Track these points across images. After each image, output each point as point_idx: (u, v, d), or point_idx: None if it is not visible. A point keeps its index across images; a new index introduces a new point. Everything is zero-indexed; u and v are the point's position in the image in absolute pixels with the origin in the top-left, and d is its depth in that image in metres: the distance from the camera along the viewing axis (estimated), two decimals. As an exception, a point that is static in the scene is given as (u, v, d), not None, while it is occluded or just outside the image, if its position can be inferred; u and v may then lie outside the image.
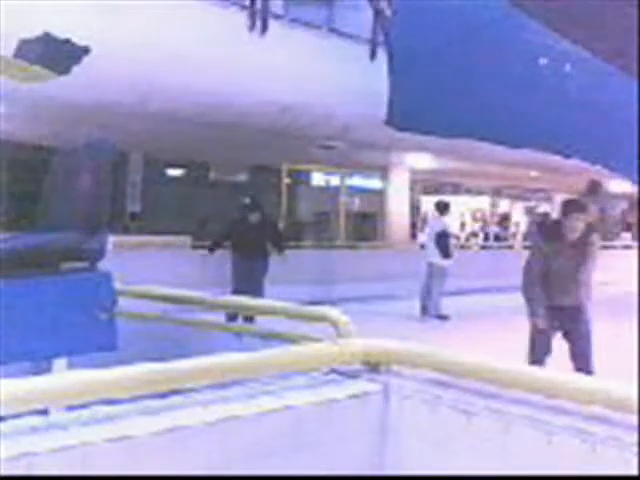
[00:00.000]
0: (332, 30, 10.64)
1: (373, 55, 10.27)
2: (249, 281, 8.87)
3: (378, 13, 10.37)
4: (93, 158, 3.03)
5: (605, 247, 20.44)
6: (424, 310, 10.42)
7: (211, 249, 9.79)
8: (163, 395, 1.85)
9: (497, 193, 25.73)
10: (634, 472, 1.43)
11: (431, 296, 10.38)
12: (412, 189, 18.36)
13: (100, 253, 2.84)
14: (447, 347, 2.21)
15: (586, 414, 1.78)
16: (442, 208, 10.66)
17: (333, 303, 8.16)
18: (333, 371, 2.20)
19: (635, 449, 1.60)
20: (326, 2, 11.26)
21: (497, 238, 21.81)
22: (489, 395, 1.97)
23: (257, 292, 8.64)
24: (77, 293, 2.71)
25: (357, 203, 20.43)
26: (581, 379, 1.83)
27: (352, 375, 2.19)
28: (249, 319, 6.90)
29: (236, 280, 9.11)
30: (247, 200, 9.81)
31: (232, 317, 6.53)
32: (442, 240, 10.30)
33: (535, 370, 1.90)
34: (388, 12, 10.15)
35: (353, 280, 11.41)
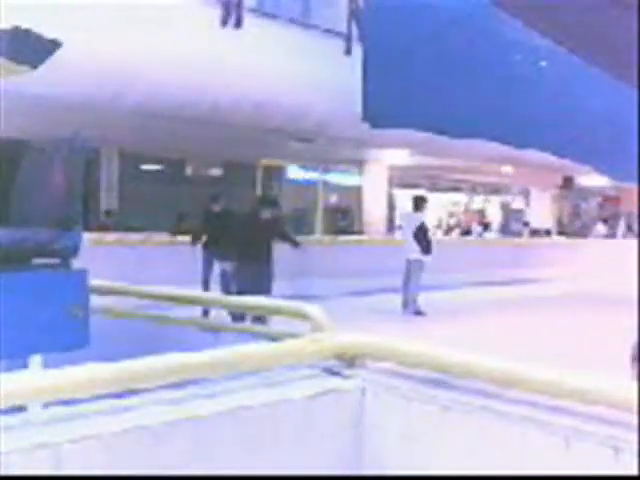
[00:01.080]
0: (307, 25, 10.63)
1: (348, 51, 10.27)
2: (258, 288, 7.80)
3: (353, 8, 10.38)
4: (65, 154, 2.99)
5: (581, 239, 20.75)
6: (405, 305, 10.47)
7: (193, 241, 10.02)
8: (133, 393, 1.84)
9: (473, 189, 25.90)
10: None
11: (410, 291, 10.43)
12: (389, 184, 18.43)
13: (73, 250, 2.81)
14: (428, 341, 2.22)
15: (560, 408, 1.79)
16: (418, 203, 10.71)
17: (315, 297, 8.21)
18: (310, 367, 2.20)
19: (621, 445, 1.61)
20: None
21: (467, 233, 21.80)
22: (466, 389, 1.98)
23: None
24: (50, 290, 2.68)
25: (335, 199, 20.46)
26: (551, 373, 1.84)
27: (328, 370, 2.19)
28: (259, 319, 6.60)
29: (240, 286, 8.18)
30: (260, 194, 9.98)
31: (239, 317, 5.99)
32: (421, 235, 10.34)
33: (508, 364, 1.91)
34: (363, 7, 10.18)
35: (331, 275, 11.42)
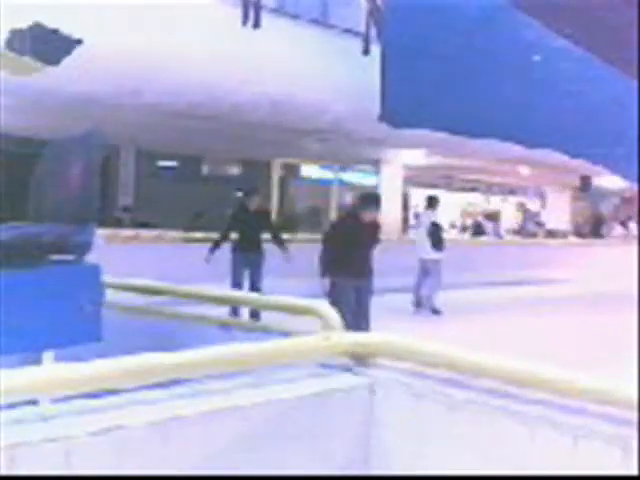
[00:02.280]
0: (326, 25, 10.63)
1: (366, 51, 10.27)
2: (249, 275, 8.54)
3: (371, 8, 10.37)
4: (83, 150, 3.02)
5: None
6: (418, 304, 10.46)
7: (212, 249, 8.65)
8: (142, 388, 1.85)
9: (489, 189, 25.80)
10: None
11: (425, 291, 10.43)
12: (404, 184, 18.40)
13: (87, 246, 2.83)
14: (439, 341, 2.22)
15: (568, 407, 1.79)
16: (432, 203, 10.72)
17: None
18: (320, 364, 2.21)
19: (630, 444, 1.60)
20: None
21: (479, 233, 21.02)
22: (474, 388, 1.98)
23: (256, 286, 8.44)
24: (64, 285, 2.71)
25: (350, 198, 20.46)
26: (561, 373, 1.84)
27: (339, 368, 2.20)
28: (254, 315, 6.77)
29: (236, 275, 8.56)
30: (244, 190, 9.34)
31: (234, 311, 6.26)
32: (435, 231, 10.37)
33: (519, 363, 1.91)
34: (382, 7, 10.16)
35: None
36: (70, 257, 2.80)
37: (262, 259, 8.66)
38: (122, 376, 1.74)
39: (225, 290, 6.44)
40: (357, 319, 6.38)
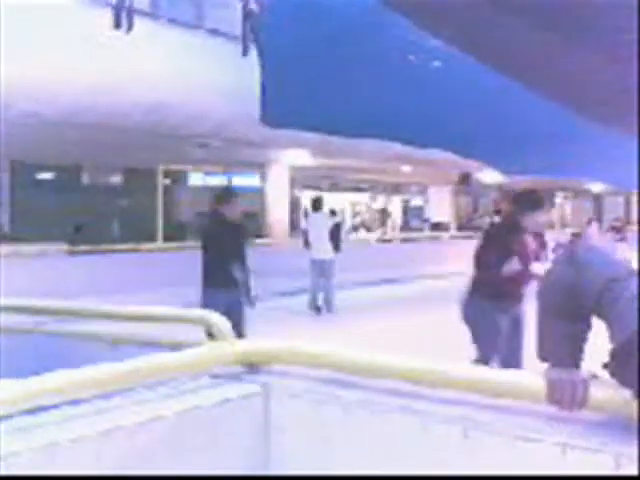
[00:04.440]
0: (201, 27, 10.52)
1: (245, 52, 10.25)
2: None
3: (247, 10, 10.36)
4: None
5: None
6: (315, 306, 10.46)
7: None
8: (33, 412, 1.78)
9: (375, 188, 26.31)
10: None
11: (322, 292, 10.47)
12: (292, 186, 18.48)
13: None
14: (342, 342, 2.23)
15: (465, 402, 1.84)
16: (317, 204, 10.81)
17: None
18: (212, 375, 2.17)
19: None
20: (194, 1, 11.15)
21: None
22: (368, 388, 2.00)
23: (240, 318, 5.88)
24: None
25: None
26: (462, 368, 1.89)
27: (232, 377, 2.17)
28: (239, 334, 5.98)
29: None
30: (219, 191, 6.85)
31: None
32: (335, 232, 10.56)
33: (411, 361, 1.95)
34: (256, 10, 10.16)
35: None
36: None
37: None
38: (12, 397, 1.67)
39: (109, 305, 6.23)
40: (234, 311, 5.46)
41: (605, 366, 1.52)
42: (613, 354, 1.48)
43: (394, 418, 1.86)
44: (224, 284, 5.92)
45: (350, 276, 12.30)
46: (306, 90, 10.51)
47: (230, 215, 6.16)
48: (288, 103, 10.53)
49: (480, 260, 4.82)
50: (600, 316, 1.66)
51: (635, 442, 1.50)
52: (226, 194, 6.48)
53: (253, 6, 10.40)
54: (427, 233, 21.88)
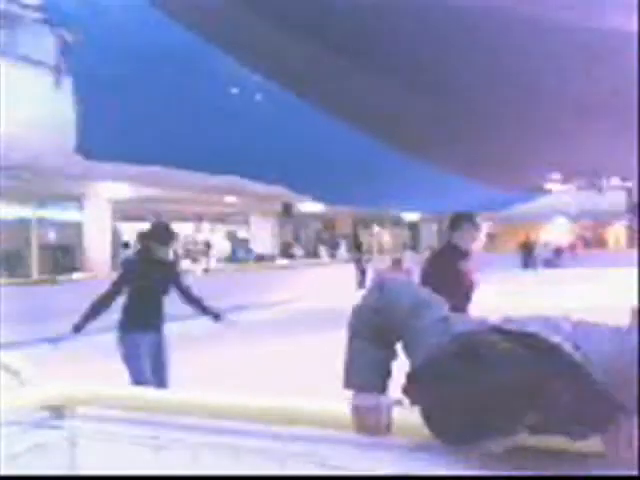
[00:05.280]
0: (13, 55, 10.03)
1: (58, 82, 9.88)
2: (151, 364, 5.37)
3: (60, 40, 10.02)
4: None
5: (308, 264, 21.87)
6: None
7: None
8: None
9: (199, 218, 26.12)
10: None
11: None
12: (114, 218, 17.93)
13: None
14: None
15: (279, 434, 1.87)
16: (124, 244, 10.45)
17: (28, 344, 7.63)
18: (14, 423, 2.06)
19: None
20: (5, 27, 10.60)
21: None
22: (181, 427, 1.98)
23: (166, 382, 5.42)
24: None
25: (53, 236, 19.39)
26: (268, 400, 1.92)
27: (36, 424, 2.07)
28: None
29: (140, 370, 5.27)
30: (148, 227, 5.95)
31: None
32: None
33: (221, 398, 1.95)
34: (70, 39, 9.85)
35: (51, 316, 10.74)
36: None
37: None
38: None
39: None
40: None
41: (405, 390, 1.59)
42: (410, 377, 1.56)
43: (206, 455, 1.86)
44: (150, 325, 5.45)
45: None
46: (124, 122, 10.32)
47: (162, 256, 5.56)
48: (106, 135, 10.29)
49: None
50: (403, 341, 1.76)
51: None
52: (157, 230, 5.76)
53: (68, 36, 10.08)
54: (251, 264, 22.01)
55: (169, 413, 2.02)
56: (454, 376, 1.42)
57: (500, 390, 1.37)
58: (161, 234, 5.61)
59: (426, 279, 4.75)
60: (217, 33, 10.65)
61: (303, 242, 28.91)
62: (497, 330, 1.53)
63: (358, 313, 1.85)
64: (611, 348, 1.55)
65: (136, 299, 5.43)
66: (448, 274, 4.66)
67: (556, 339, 1.49)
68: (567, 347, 1.48)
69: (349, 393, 1.81)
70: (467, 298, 4.77)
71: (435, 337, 1.62)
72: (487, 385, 1.38)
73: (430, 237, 34.05)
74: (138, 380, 5.09)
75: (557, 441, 1.56)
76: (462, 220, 4.94)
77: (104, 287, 5.50)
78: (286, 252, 24.73)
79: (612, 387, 1.48)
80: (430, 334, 1.66)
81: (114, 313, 5.44)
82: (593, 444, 1.55)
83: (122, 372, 5.22)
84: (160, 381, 5.31)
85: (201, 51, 10.54)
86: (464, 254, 4.87)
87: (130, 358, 5.26)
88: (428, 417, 1.48)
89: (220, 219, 26.93)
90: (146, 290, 5.46)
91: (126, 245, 10.38)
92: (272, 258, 22.96)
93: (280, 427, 1.91)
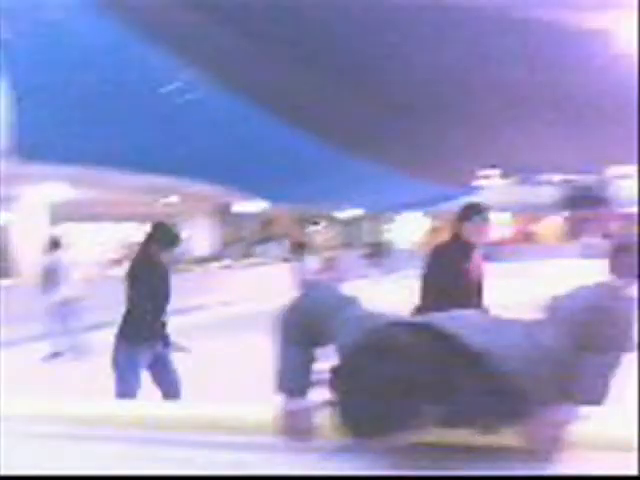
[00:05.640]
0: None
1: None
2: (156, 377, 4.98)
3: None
4: None
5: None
6: (56, 353, 9.65)
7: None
8: None
9: (142, 220, 25.77)
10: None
11: (69, 334, 9.73)
12: (52, 221, 17.43)
13: None
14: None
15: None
16: (53, 244, 9.88)
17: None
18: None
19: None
20: None
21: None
22: (101, 438, 1.92)
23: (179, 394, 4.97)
24: None
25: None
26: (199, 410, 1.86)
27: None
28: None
29: (131, 384, 4.80)
30: (150, 228, 5.22)
31: None
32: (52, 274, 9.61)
33: (126, 404, 1.89)
34: (5, 38, 9.58)
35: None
36: None
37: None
38: None
39: None
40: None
41: (329, 386, 1.58)
42: (334, 371, 1.55)
43: (128, 465, 1.79)
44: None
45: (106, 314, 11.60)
46: (58, 122, 10.10)
47: (167, 260, 5.09)
48: (42, 134, 10.05)
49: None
50: (329, 340, 1.74)
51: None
52: (162, 233, 5.13)
53: (7, 35, 9.78)
54: (192, 265, 21.74)
55: (92, 425, 1.95)
56: (362, 370, 1.43)
57: (401, 382, 1.39)
58: (165, 236, 5.07)
59: (431, 274, 4.56)
60: (151, 31, 10.52)
61: (243, 242, 28.78)
62: (400, 323, 1.56)
63: (289, 313, 1.84)
64: (525, 342, 1.57)
65: (137, 307, 4.92)
66: (455, 269, 4.49)
67: (452, 329, 1.51)
68: (465, 337, 1.50)
69: (271, 396, 1.78)
70: (478, 290, 4.68)
71: (353, 334, 1.61)
72: (389, 377, 1.39)
73: (372, 234, 34.37)
74: (123, 390, 4.70)
75: (478, 437, 1.56)
76: (471, 211, 4.70)
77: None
78: (223, 252, 24.48)
79: (526, 380, 1.49)
80: (349, 331, 1.67)
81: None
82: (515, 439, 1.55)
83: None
84: (175, 392, 4.88)
85: (136, 49, 10.39)
86: (471, 247, 4.71)
87: (122, 366, 4.78)
88: (342, 412, 1.47)
89: (162, 220, 26.60)
90: (149, 297, 4.93)
91: (55, 244, 9.71)
92: (212, 259, 22.71)
93: (202, 435, 1.86)
